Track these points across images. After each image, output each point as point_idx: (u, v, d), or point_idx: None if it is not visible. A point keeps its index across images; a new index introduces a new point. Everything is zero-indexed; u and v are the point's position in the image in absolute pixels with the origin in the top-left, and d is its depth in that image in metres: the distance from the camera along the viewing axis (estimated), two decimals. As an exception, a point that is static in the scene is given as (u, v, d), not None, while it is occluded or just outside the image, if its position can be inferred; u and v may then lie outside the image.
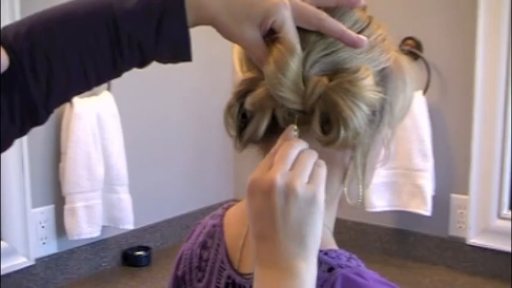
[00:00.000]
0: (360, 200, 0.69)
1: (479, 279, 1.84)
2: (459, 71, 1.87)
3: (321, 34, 0.63)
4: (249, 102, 0.65)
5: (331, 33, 0.62)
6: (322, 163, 0.62)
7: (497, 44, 1.75)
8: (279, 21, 0.61)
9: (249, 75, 0.67)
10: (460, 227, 1.92)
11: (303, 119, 0.63)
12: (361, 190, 0.68)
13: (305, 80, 0.63)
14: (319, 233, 0.60)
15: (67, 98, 0.67)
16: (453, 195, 1.93)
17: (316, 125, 0.62)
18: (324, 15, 0.62)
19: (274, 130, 0.65)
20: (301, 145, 0.62)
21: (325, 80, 0.62)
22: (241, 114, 0.67)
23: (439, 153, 1.89)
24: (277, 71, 0.61)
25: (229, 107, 0.68)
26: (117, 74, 0.66)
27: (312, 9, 0.63)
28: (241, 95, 0.67)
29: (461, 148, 1.88)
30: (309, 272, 0.59)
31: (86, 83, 0.65)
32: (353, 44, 0.63)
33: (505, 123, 1.79)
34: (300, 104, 0.63)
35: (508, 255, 1.77)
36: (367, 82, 0.62)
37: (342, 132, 0.61)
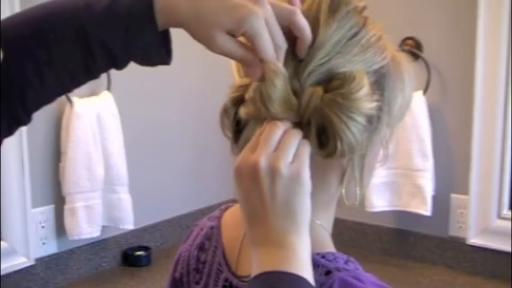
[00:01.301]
0: (357, 202, 0.69)
1: (479, 279, 1.84)
2: (459, 71, 1.87)
3: (318, 43, 0.63)
4: (243, 112, 0.65)
5: (296, 30, 0.62)
6: (306, 142, 0.63)
7: (497, 44, 1.75)
8: (250, 33, 0.60)
9: (245, 81, 0.67)
10: (460, 227, 1.91)
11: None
12: (358, 191, 0.68)
13: (299, 92, 0.63)
14: (307, 208, 0.61)
15: (46, 101, 0.67)
16: (453, 195, 1.92)
17: (312, 138, 0.63)
18: (296, 11, 0.62)
19: None
20: (285, 125, 0.62)
21: (319, 90, 0.62)
22: (237, 120, 0.67)
23: (439, 153, 1.89)
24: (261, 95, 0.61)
25: (225, 110, 0.68)
26: (93, 76, 0.66)
27: (286, 9, 0.62)
28: (237, 101, 0.67)
29: (461, 148, 1.87)
30: (302, 245, 0.60)
31: (62, 87, 0.65)
32: (299, 53, 0.63)
33: (505, 123, 1.79)
34: (295, 117, 0.63)
35: (508, 255, 1.77)
36: (362, 93, 0.62)
37: (339, 146, 0.62)
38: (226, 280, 0.73)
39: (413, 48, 1.90)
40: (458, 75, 1.87)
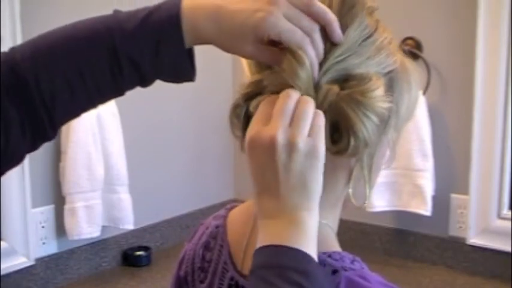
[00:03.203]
0: (366, 202, 0.69)
1: (479, 279, 1.84)
2: (459, 71, 1.87)
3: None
4: (254, 105, 0.65)
5: (319, 19, 0.62)
6: (320, 112, 0.62)
7: (497, 44, 1.75)
8: (273, 33, 0.61)
9: (256, 77, 0.67)
10: (460, 227, 1.92)
11: None
12: (368, 191, 0.68)
13: (316, 87, 0.63)
14: (320, 184, 0.61)
15: (72, 116, 0.68)
16: (453, 195, 1.93)
17: (325, 134, 0.62)
18: (312, 1, 0.62)
19: None
20: (297, 94, 0.62)
21: (336, 88, 0.63)
22: (247, 116, 0.67)
23: (439, 153, 1.89)
24: (288, 79, 0.62)
25: (235, 107, 0.68)
26: (120, 93, 0.68)
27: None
28: (249, 97, 0.67)
29: (461, 148, 1.88)
30: (311, 220, 0.60)
31: (90, 103, 0.67)
32: (333, 38, 0.63)
33: (505, 123, 1.79)
34: None
35: (508, 255, 1.78)
36: (378, 93, 0.62)
37: (352, 142, 0.62)
38: (231, 279, 0.72)
39: (413, 48, 1.90)
40: (458, 75, 1.88)
